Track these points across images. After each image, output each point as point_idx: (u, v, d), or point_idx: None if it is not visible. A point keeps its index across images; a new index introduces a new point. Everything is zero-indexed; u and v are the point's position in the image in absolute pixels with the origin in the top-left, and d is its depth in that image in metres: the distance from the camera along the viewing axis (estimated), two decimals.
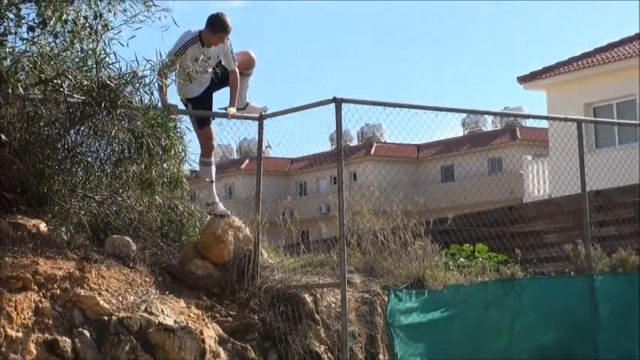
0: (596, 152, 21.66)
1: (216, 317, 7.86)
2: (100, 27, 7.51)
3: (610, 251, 10.47)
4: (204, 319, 7.60)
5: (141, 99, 7.75)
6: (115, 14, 7.62)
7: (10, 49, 7.38)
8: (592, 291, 9.22)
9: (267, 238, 9.38)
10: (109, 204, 8.39)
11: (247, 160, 47.36)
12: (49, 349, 6.67)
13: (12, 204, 7.79)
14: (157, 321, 7.17)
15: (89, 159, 8.17)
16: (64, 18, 7.29)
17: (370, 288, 8.87)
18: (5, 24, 7.31)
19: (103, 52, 7.54)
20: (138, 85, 7.68)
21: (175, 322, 7.27)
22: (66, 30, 7.44)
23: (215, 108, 8.84)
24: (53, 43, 7.51)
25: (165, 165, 8.09)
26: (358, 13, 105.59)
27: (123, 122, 7.59)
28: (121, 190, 8.31)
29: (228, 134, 9.00)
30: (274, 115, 8.89)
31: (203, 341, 7.31)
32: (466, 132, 52.85)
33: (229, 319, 7.91)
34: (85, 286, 7.15)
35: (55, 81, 7.43)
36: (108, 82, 7.48)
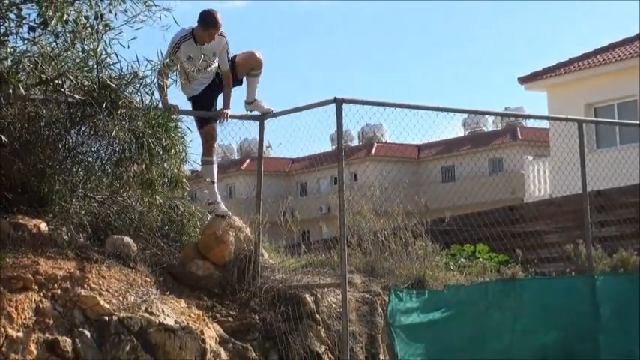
0: (597, 152, 21.67)
1: (216, 317, 7.86)
2: (101, 27, 7.52)
3: (611, 251, 10.47)
4: (204, 319, 7.60)
5: (142, 99, 7.75)
6: (115, 14, 7.63)
7: (12, 50, 7.39)
8: (593, 291, 9.22)
9: (268, 239, 9.38)
10: (110, 204, 8.39)
11: (248, 161, 47.34)
12: (50, 349, 6.67)
13: (13, 204, 7.80)
14: (157, 321, 7.17)
15: (90, 159, 8.17)
16: (65, 18, 7.29)
17: (371, 288, 8.87)
18: (6, 24, 7.32)
19: (104, 53, 7.55)
20: (139, 86, 7.69)
21: (176, 322, 7.27)
22: (67, 30, 7.45)
23: (218, 108, 8.82)
24: (54, 44, 7.51)
25: (165, 165, 8.09)
26: (358, 13, 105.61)
27: (124, 122, 7.59)
28: (121, 190, 8.31)
29: (229, 134, 9.01)
30: (275, 115, 8.88)
31: (204, 341, 7.31)
32: (467, 132, 52.87)
33: (230, 319, 7.91)
34: (86, 286, 7.16)
35: (56, 81, 7.43)
36: (109, 82, 7.48)
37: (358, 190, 10.37)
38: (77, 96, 7.51)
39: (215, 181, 8.69)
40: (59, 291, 7.00)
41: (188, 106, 8.69)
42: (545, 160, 24.53)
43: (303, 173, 49.07)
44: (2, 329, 6.49)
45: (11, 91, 7.18)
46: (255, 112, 8.88)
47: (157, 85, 7.82)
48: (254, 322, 7.94)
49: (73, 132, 7.96)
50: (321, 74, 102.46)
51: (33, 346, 6.58)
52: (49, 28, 7.30)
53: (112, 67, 7.61)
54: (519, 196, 25.89)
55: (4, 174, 7.70)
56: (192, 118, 8.67)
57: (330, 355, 8.10)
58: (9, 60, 7.31)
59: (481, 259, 11.12)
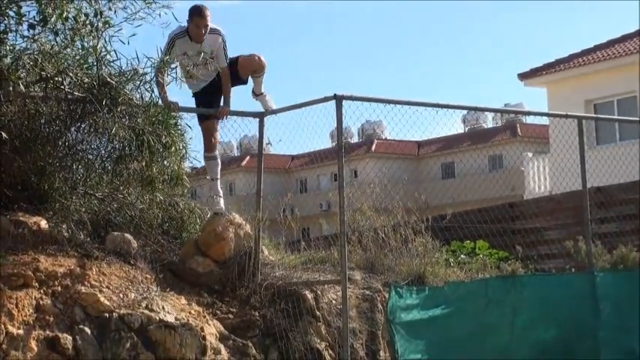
0: (597, 149, 21.68)
1: (217, 314, 7.86)
2: (100, 24, 7.52)
3: (611, 248, 10.47)
4: (205, 316, 7.60)
5: (141, 96, 7.75)
6: (115, 12, 7.64)
7: (11, 47, 7.39)
8: (593, 288, 9.22)
9: (268, 235, 9.37)
10: (110, 201, 8.39)
11: (248, 157, 47.39)
12: (50, 346, 6.67)
13: (13, 201, 7.80)
14: (157, 318, 7.17)
15: (90, 156, 8.16)
16: (64, 15, 7.29)
17: (371, 285, 8.87)
18: (6, 21, 7.32)
19: (103, 50, 7.54)
20: (139, 83, 7.69)
21: (176, 319, 7.28)
22: (66, 27, 7.45)
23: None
24: (54, 41, 7.51)
25: (166, 162, 8.09)
26: (358, 11, 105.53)
27: (123, 119, 7.59)
28: (121, 188, 8.31)
29: (229, 131, 9.01)
30: (275, 112, 8.89)
31: (204, 338, 7.31)
32: (467, 129, 52.88)
33: (230, 316, 7.91)
34: (86, 283, 7.16)
35: (56, 78, 7.43)
36: (109, 79, 7.48)
37: (358, 187, 10.36)
38: (77, 93, 7.51)
39: (215, 178, 8.67)
40: (59, 288, 7.00)
41: (189, 103, 8.70)
42: (545, 157, 24.52)
43: (303, 170, 49.10)
44: (2, 326, 6.50)
45: (11, 88, 7.18)
46: (256, 110, 8.89)
47: (155, 82, 7.83)
48: (254, 319, 7.94)
49: (73, 129, 7.95)
50: (321, 72, 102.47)
51: (33, 344, 6.59)
52: (48, 26, 7.30)
53: (111, 64, 7.61)
54: (519, 192, 25.88)
55: (4, 171, 7.70)
56: (192, 115, 8.67)
57: (331, 351, 8.11)
58: (9, 57, 7.32)
59: (481, 256, 11.12)
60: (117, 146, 7.91)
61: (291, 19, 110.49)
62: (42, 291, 6.90)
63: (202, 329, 7.35)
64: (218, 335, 7.54)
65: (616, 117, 20.47)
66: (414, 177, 42.07)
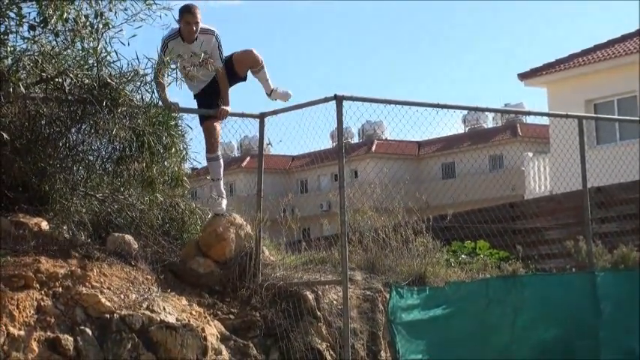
0: (597, 148, 21.66)
1: (217, 315, 7.87)
2: (100, 26, 7.51)
3: (611, 247, 10.46)
4: (205, 317, 7.61)
5: (142, 97, 7.75)
6: (115, 13, 7.63)
7: (12, 48, 7.39)
8: (593, 287, 9.22)
9: (269, 236, 9.38)
10: (111, 202, 8.40)
11: (248, 158, 47.39)
12: (51, 348, 6.67)
13: (13, 202, 7.80)
14: (158, 319, 7.17)
15: (90, 157, 8.16)
16: (65, 17, 7.29)
17: (372, 285, 8.87)
18: (6, 23, 7.32)
19: (104, 51, 7.54)
20: (139, 84, 7.69)
21: (177, 319, 7.28)
22: (67, 29, 7.44)
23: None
24: (54, 42, 7.51)
25: (166, 163, 8.09)
26: (358, 11, 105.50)
27: (124, 120, 7.60)
28: (122, 189, 8.32)
29: (229, 132, 9.01)
30: (275, 112, 8.89)
31: (205, 339, 7.32)
32: (467, 129, 52.87)
33: (231, 316, 7.92)
34: (87, 284, 7.16)
35: (57, 80, 7.43)
36: (109, 80, 7.48)
37: (359, 187, 10.36)
38: (77, 94, 7.51)
39: (216, 179, 8.66)
40: (60, 289, 7.00)
41: (189, 103, 8.71)
42: (546, 157, 24.52)
43: (304, 170, 49.03)
44: (4, 328, 6.50)
45: (11, 89, 7.18)
46: (256, 112, 8.91)
47: (155, 83, 7.83)
48: (255, 319, 7.94)
49: (73, 130, 7.95)
50: (322, 72, 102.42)
51: (34, 345, 6.59)
52: (49, 27, 7.30)
53: (112, 65, 7.61)
54: (520, 192, 25.88)
55: (4, 172, 7.70)
56: (192, 115, 8.68)
57: (331, 352, 8.11)
58: (9, 59, 7.32)
59: (482, 256, 11.12)
60: (117, 147, 7.91)
61: (291, 19, 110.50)
62: (43, 292, 6.90)
63: (203, 330, 7.35)
64: (219, 336, 7.54)
65: (616, 117, 20.46)
66: (414, 177, 42.03)
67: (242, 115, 8.86)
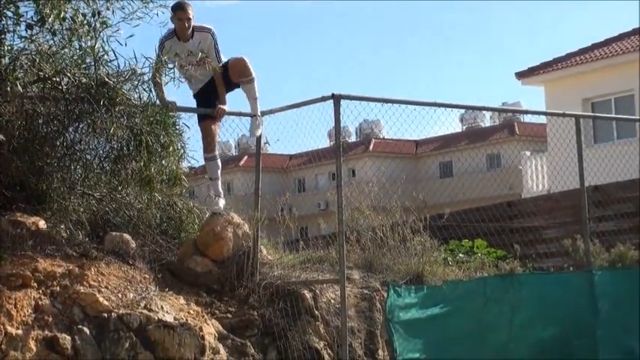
0: (595, 147, 21.67)
1: (215, 314, 7.86)
2: (98, 25, 7.51)
3: (609, 246, 10.48)
4: (203, 316, 7.61)
5: (139, 96, 7.75)
6: (113, 12, 7.64)
7: (9, 47, 7.39)
8: (591, 286, 9.23)
9: (266, 235, 9.37)
10: (108, 201, 8.39)
11: (246, 157, 47.42)
12: (49, 347, 6.67)
13: (11, 201, 7.80)
14: (156, 318, 7.17)
15: (88, 156, 8.15)
16: (62, 16, 7.29)
17: (369, 284, 8.87)
18: (4, 22, 7.32)
19: (101, 50, 7.54)
20: (136, 83, 7.69)
21: (175, 318, 7.28)
22: (64, 28, 7.44)
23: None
24: (52, 41, 7.51)
25: (164, 162, 8.09)
26: (357, 11, 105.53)
27: (121, 119, 7.59)
28: (120, 188, 8.31)
29: (227, 131, 9.01)
30: (273, 111, 8.89)
31: (203, 338, 7.32)
32: (464, 128, 52.88)
33: (229, 315, 7.91)
34: (85, 283, 7.16)
35: (54, 79, 7.43)
36: (106, 79, 7.48)
37: (356, 186, 10.36)
38: (75, 93, 7.51)
39: (217, 177, 8.64)
40: (58, 288, 7.00)
41: (187, 102, 8.70)
42: (543, 155, 24.52)
43: (301, 169, 49.07)
44: (1, 327, 6.50)
45: (9, 88, 7.18)
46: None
47: (153, 82, 7.84)
48: (253, 318, 7.94)
49: (70, 129, 7.94)
50: (319, 71, 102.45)
51: (32, 344, 6.59)
52: (46, 26, 7.30)
53: (109, 64, 7.62)
54: (517, 191, 25.89)
55: (2, 171, 7.69)
56: (190, 114, 8.66)
57: (329, 351, 8.11)
58: (6, 58, 7.32)
59: (479, 255, 11.11)
60: (115, 146, 7.90)
61: (291, 19, 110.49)
62: (41, 291, 6.90)
63: (201, 329, 7.35)
64: (217, 335, 7.54)
65: (613, 115, 20.49)
66: (411, 176, 42.06)
67: (239, 114, 8.85)
